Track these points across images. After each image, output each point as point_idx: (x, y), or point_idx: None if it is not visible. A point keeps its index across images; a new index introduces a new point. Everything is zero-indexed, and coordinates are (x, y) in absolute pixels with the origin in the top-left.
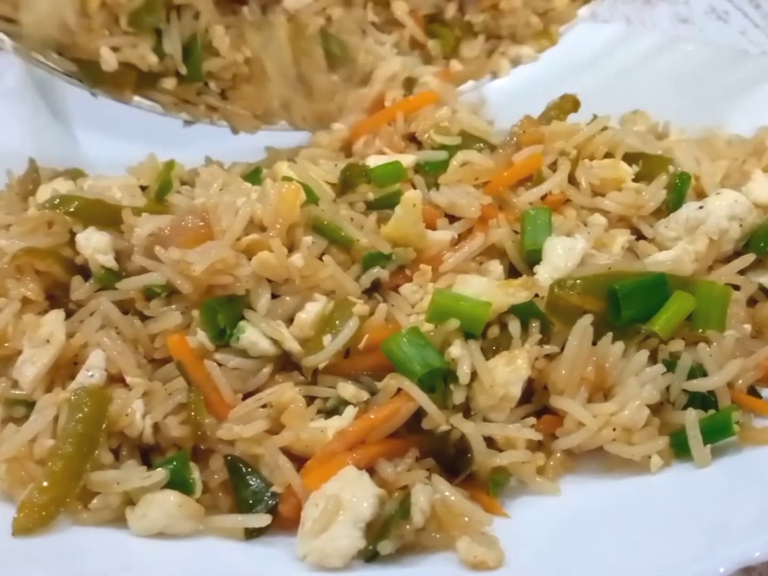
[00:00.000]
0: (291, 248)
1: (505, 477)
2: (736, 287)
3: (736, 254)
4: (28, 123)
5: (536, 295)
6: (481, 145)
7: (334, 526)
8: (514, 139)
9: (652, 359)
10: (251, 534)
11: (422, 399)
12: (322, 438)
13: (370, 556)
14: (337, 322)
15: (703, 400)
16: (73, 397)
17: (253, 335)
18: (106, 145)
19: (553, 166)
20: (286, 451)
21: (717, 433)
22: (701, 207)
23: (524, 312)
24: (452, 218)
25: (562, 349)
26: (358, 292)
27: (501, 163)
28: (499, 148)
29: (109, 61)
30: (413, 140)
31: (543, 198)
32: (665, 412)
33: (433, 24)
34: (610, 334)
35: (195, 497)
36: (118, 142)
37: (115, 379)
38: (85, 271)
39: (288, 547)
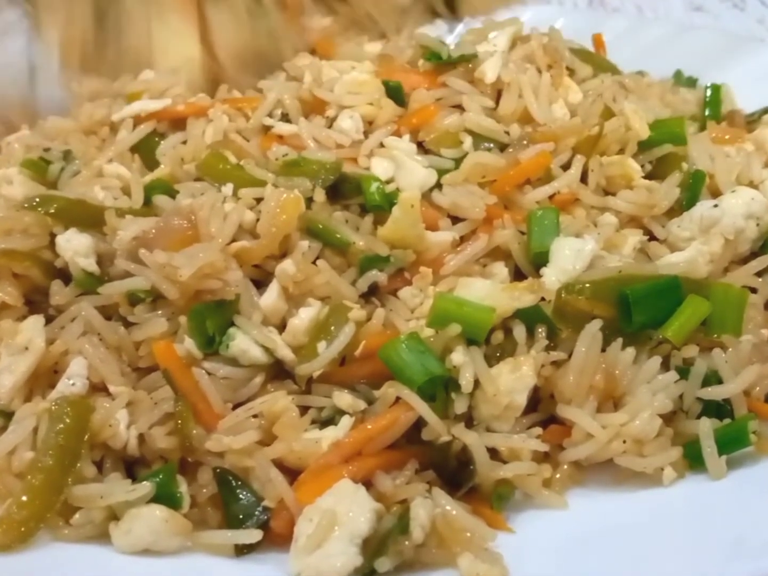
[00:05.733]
0: (284, 253)
1: (510, 490)
2: (753, 290)
3: (753, 255)
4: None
5: (543, 299)
6: (491, 144)
7: (329, 542)
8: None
9: (665, 366)
10: (241, 550)
11: (422, 408)
12: (316, 450)
13: (367, 574)
14: (332, 328)
15: (718, 409)
16: (53, 407)
17: (243, 342)
18: None
19: (566, 165)
20: (279, 464)
21: (732, 443)
22: (716, 205)
23: (530, 316)
24: (456, 219)
25: (570, 355)
26: (355, 296)
27: (510, 162)
28: (509, 147)
29: None
30: (420, 146)
31: (551, 197)
32: (678, 421)
33: None
34: (620, 340)
35: (182, 512)
36: None
37: (98, 388)
38: (65, 275)
39: (280, 564)
